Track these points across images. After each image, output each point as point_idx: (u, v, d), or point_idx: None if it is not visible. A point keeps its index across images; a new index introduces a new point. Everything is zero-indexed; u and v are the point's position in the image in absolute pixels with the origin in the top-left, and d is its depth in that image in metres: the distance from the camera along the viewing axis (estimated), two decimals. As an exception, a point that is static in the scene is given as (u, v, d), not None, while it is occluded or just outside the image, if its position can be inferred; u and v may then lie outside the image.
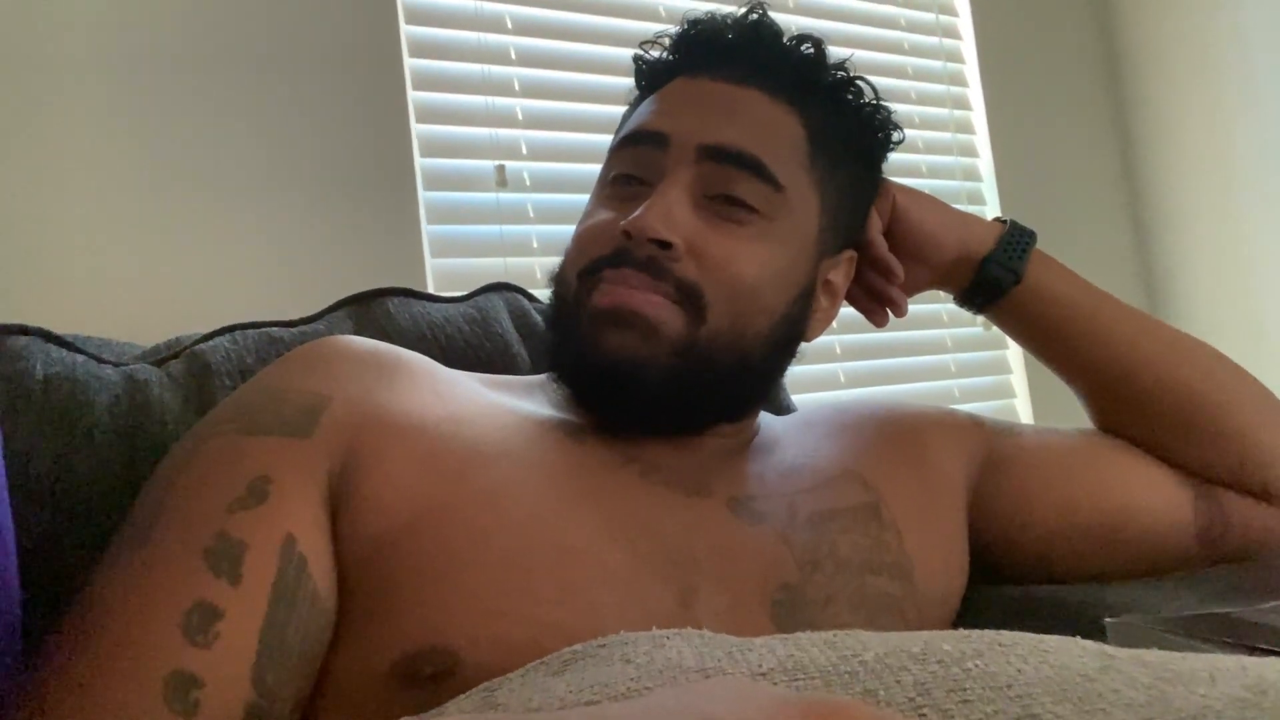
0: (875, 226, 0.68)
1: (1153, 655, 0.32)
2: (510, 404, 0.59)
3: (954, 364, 1.56)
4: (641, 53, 0.67)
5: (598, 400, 0.58)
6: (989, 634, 0.34)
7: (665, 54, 0.66)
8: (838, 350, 1.45)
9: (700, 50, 0.64)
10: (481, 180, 1.19)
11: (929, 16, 1.65)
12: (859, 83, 0.65)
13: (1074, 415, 0.76)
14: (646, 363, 0.55)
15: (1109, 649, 0.33)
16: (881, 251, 0.68)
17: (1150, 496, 0.66)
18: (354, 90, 1.10)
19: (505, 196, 1.20)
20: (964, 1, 1.67)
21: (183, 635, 0.42)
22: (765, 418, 0.68)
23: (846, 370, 1.45)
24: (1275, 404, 0.67)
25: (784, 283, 0.59)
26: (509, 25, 1.24)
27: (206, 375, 0.66)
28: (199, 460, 0.49)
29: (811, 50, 0.63)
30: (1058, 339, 0.70)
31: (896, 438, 0.66)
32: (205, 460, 0.49)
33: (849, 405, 0.71)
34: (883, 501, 0.61)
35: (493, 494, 0.51)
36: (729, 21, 0.64)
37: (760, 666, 0.34)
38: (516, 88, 1.23)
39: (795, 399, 0.95)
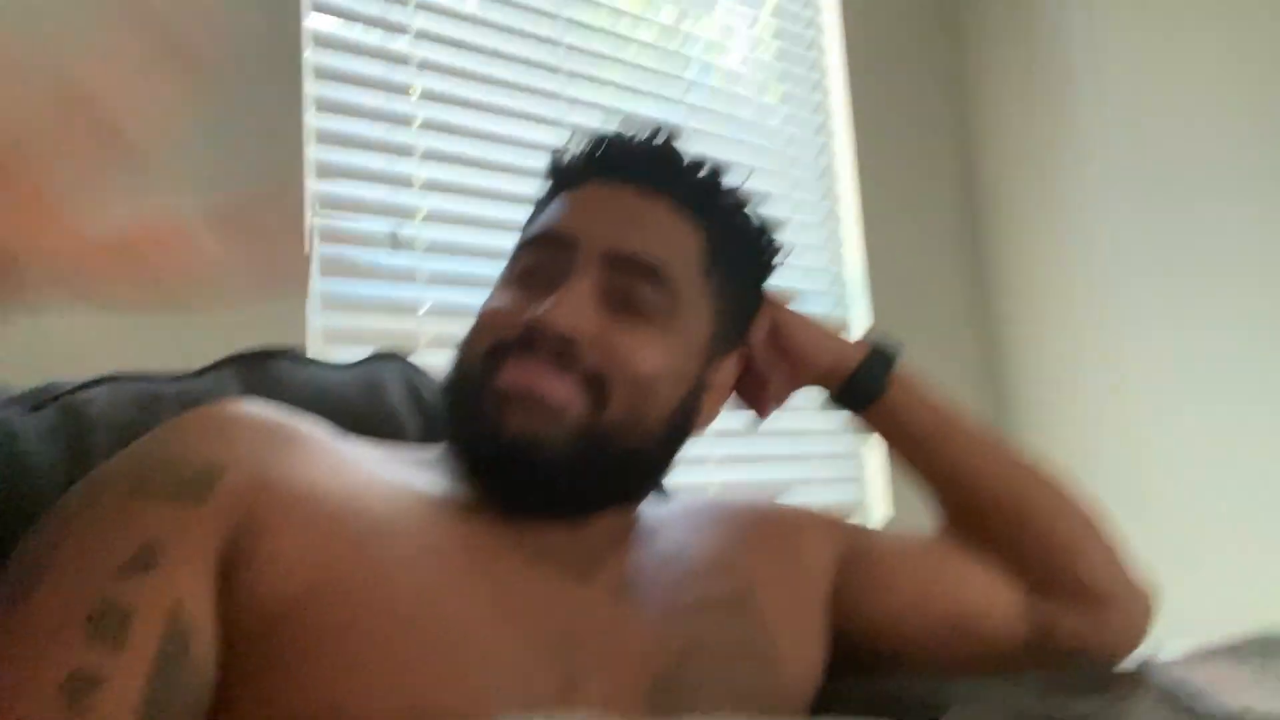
0: (757, 336, 0.73)
1: None
2: (405, 479, 0.60)
3: (815, 452, 1.65)
4: (558, 150, 0.71)
5: (497, 478, 0.59)
6: None
7: (580, 157, 0.69)
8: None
9: (614, 158, 0.68)
10: (375, 240, 1.20)
11: (811, 156, 1.77)
12: (752, 207, 0.71)
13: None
14: (547, 443, 0.57)
15: None
16: (757, 364, 0.74)
17: (986, 599, 0.72)
18: (253, 145, 1.09)
19: (399, 257, 1.20)
20: (846, 140, 1.80)
21: (64, 703, 0.41)
22: (644, 503, 0.71)
23: (717, 454, 1.51)
24: (1095, 524, 0.75)
25: (678, 379, 0.63)
26: (414, 94, 1.26)
27: (84, 428, 0.64)
28: (86, 518, 0.48)
29: (714, 172, 0.69)
30: (914, 447, 0.77)
31: (768, 532, 0.71)
32: (94, 520, 0.48)
33: (725, 500, 0.76)
34: (752, 593, 0.65)
35: (386, 570, 0.52)
36: (644, 136, 0.68)
37: None
38: (418, 152, 1.25)
39: (700, 500, 0.98)
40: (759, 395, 0.76)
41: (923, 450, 0.76)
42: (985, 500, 0.74)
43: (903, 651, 0.71)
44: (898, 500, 1.65)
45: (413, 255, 1.22)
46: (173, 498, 0.49)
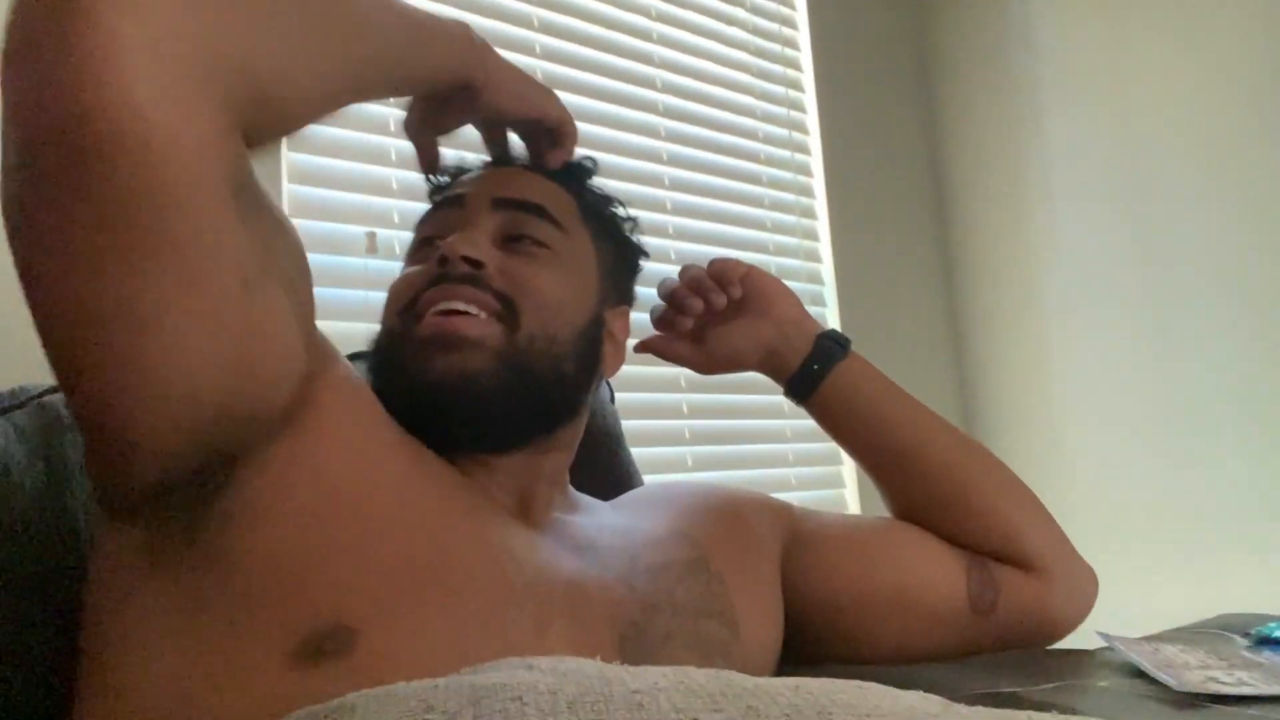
0: (733, 293, 0.79)
1: (981, 710, 0.38)
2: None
3: (791, 454, 1.67)
4: (433, 180, 0.75)
5: (433, 419, 0.61)
6: (850, 681, 0.40)
7: (454, 170, 0.75)
8: (686, 435, 1.52)
9: (487, 162, 0.74)
10: (351, 246, 1.20)
11: (784, 154, 1.80)
12: (611, 195, 0.76)
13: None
14: (475, 375, 0.61)
15: (948, 702, 0.39)
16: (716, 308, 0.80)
17: (930, 568, 0.75)
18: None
19: (375, 263, 1.21)
20: (816, 141, 1.83)
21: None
22: (596, 502, 0.75)
23: (694, 454, 1.52)
24: (1035, 500, 0.79)
25: (578, 305, 0.68)
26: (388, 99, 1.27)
27: (58, 429, 0.64)
28: None
29: (577, 161, 0.74)
30: (860, 424, 0.80)
31: (719, 508, 0.75)
32: None
33: (676, 483, 0.82)
34: (709, 557, 0.68)
35: (398, 488, 0.55)
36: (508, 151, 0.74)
37: (657, 684, 0.38)
38: (393, 157, 1.25)
39: (647, 478, 1.00)
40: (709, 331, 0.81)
41: (870, 424, 0.79)
42: (929, 470, 0.77)
43: (853, 628, 0.73)
44: (875, 506, 1.67)
45: (391, 260, 1.22)
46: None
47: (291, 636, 0.47)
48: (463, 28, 0.63)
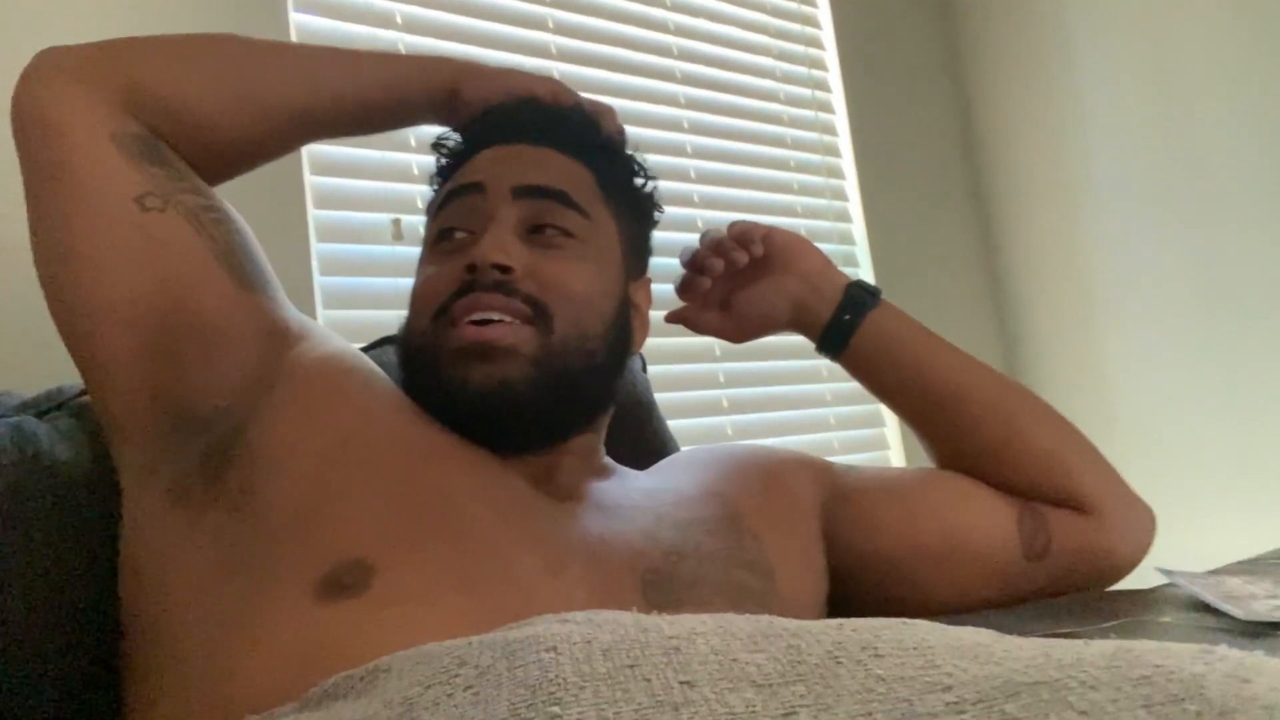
0: (755, 251, 0.78)
1: (1035, 638, 0.37)
2: (393, 383, 0.66)
3: (833, 417, 1.65)
4: (442, 142, 0.75)
5: (472, 430, 0.63)
6: (895, 619, 0.39)
7: (465, 131, 0.74)
8: (725, 404, 1.51)
9: (497, 126, 0.72)
10: (376, 234, 1.20)
11: (809, 114, 1.77)
12: (624, 147, 0.76)
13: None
14: (513, 383, 0.61)
15: (1000, 634, 0.37)
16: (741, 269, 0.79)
17: (979, 515, 0.73)
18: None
19: (401, 249, 1.21)
20: (840, 101, 1.79)
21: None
22: (630, 471, 0.75)
23: (734, 424, 1.51)
24: (1078, 433, 0.76)
25: (605, 294, 0.68)
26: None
27: (98, 427, 0.65)
28: None
29: (589, 120, 0.74)
30: (899, 373, 0.78)
31: (754, 468, 0.74)
32: None
33: (712, 447, 0.81)
34: (742, 515, 0.68)
35: (392, 443, 0.59)
36: (518, 104, 0.73)
37: (695, 630, 0.37)
38: (413, 143, 1.25)
39: (685, 450, 0.99)
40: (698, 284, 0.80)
41: (909, 371, 0.77)
42: (973, 415, 0.75)
43: (905, 580, 0.72)
44: (911, 458, 1.65)
45: (417, 245, 1.22)
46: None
47: (314, 573, 0.50)
48: (436, 57, 0.72)
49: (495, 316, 0.62)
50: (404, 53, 0.72)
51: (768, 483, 0.73)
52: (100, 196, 0.58)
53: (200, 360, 0.58)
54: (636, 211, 0.75)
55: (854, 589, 0.72)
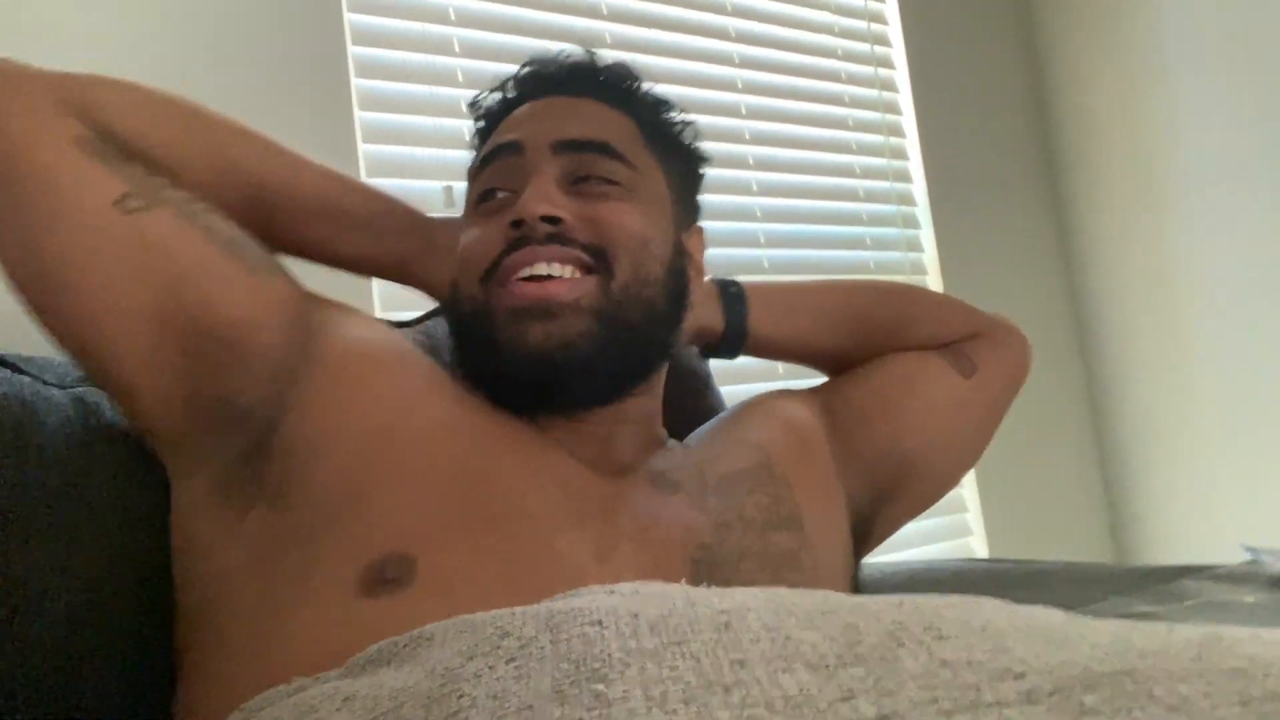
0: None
1: (1112, 620, 0.35)
2: (431, 360, 0.65)
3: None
4: (479, 98, 0.74)
5: (532, 391, 0.61)
6: (962, 596, 0.37)
7: (503, 94, 0.73)
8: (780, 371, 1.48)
9: (535, 81, 0.71)
10: (429, 201, 1.20)
11: (873, 103, 1.71)
12: (665, 99, 0.74)
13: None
14: (576, 340, 0.59)
15: (1071, 614, 0.36)
16: None
17: (918, 363, 0.79)
18: (301, 111, 1.10)
19: (455, 216, 1.20)
20: (904, 82, 1.73)
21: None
22: (679, 443, 0.74)
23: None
24: (938, 294, 0.84)
25: (662, 238, 0.66)
26: (456, 48, 1.25)
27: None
28: None
29: (628, 72, 0.72)
30: (789, 346, 0.81)
31: (764, 409, 0.75)
32: None
33: (745, 399, 0.82)
34: (772, 459, 0.68)
35: (433, 429, 0.57)
36: (556, 57, 0.72)
37: (746, 604, 0.36)
38: (463, 109, 1.24)
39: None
40: None
41: (799, 345, 0.81)
42: (873, 332, 0.80)
43: (907, 450, 0.76)
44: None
45: (468, 213, 1.22)
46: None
47: (355, 566, 0.49)
48: (412, 217, 0.73)
49: (554, 271, 0.60)
50: (391, 198, 0.73)
51: (785, 420, 0.74)
52: (76, 209, 0.54)
53: (229, 355, 0.56)
54: (684, 159, 0.73)
55: (877, 490, 0.75)
